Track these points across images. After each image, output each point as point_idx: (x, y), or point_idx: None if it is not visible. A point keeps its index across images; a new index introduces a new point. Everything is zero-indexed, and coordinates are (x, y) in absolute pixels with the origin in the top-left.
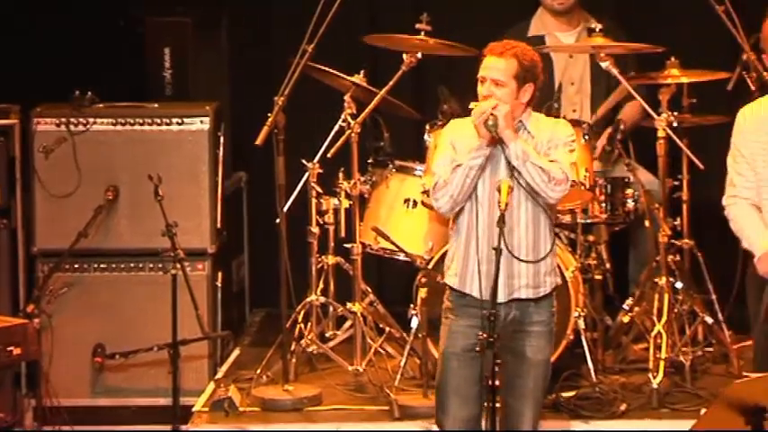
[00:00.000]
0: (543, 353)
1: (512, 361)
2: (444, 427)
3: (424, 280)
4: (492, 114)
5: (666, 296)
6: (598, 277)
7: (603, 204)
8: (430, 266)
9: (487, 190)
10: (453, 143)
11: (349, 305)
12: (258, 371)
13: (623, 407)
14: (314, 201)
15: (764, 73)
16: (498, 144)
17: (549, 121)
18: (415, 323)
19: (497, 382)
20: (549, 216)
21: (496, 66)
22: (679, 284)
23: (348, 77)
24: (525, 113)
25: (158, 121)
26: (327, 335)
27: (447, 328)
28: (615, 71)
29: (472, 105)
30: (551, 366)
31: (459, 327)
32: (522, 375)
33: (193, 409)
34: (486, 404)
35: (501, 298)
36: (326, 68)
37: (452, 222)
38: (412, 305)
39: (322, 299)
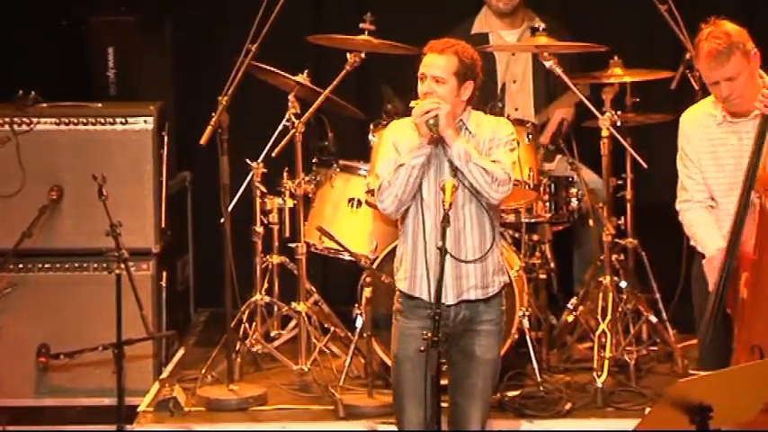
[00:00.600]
0: (492, 352)
1: (461, 360)
2: (404, 428)
3: (368, 279)
4: (433, 113)
5: (611, 295)
6: (542, 276)
7: (547, 203)
8: (374, 266)
9: (432, 192)
10: (395, 144)
11: (294, 305)
12: (203, 371)
13: (568, 406)
14: (258, 200)
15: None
16: (440, 144)
17: (491, 120)
18: (359, 322)
19: (443, 382)
20: (493, 216)
21: (437, 63)
22: (623, 283)
23: (292, 77)
24: (466, 112)
25: (102, 120)
26: (272, 334)
27: (398, 330)
28: (559, 70)
29: (413, 104)
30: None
31: (411, 329)
32: (471, 375)
33: (138, 409)
34: (437, 404)
35: (450, 300)
36: (270, 68)
37: (400, 225)
38: (357, 304)
39: (267, 298)
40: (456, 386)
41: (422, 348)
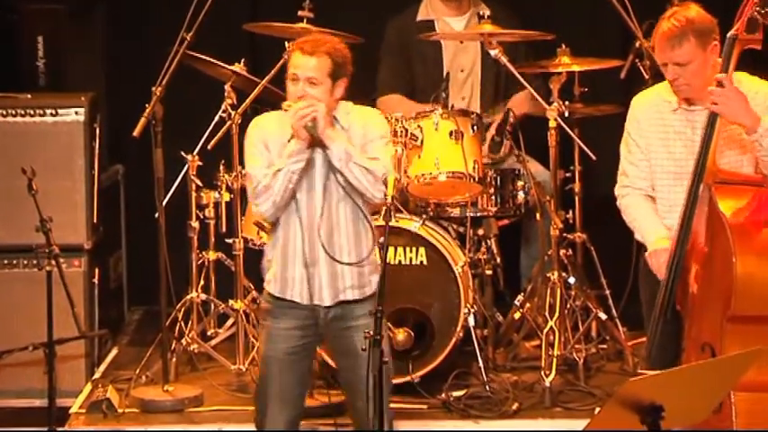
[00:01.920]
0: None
1: (345, 361)
2: (264, 429)
3: None
4: (310, 116)
5: (559, 291)
6: (488, 272)
7: (493, 197)
8: None
9: (304, 192)
10: (266, 143)
11: (231, 302)
12: (137, 371)
13: (515, 406)
14: (194, 194)
15: None
16: (317, 145)
17: (360, 113)
18: None
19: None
20: (367, 213)
21: (309, 64)
22: (571, 279)
23: (228, 66)
24: (338, 107)
25: (32, 112)
26: (209, 333)
27: (267, 331)
28: (504, 59)
29: (285, 105)
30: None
31: (280, 330)
32: (358, 372)
33: (70, 411)
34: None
35: (327, 301)
36: (206, 57)
37: (269, 224)
38: None
39: (203, 296)
40: (349, 390)
41: (363, 348)
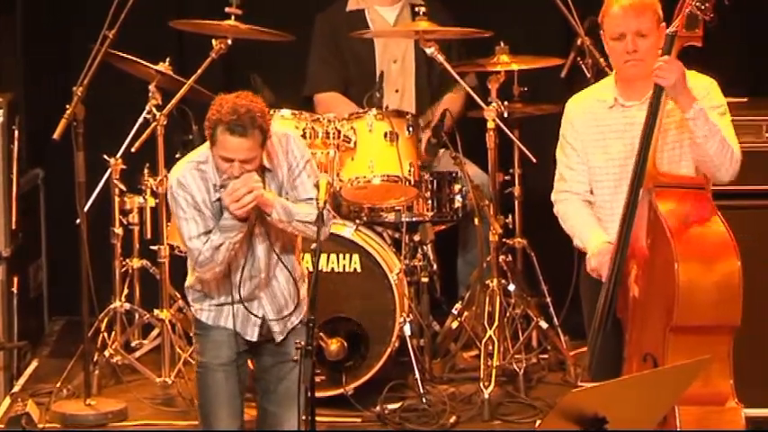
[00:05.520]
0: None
1: (276, 365)
2: None
3: None
4: (251, 205)
5: (498, 299)
6: (424, 280)
7: (429, 201)
8: None
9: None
10: (197, 206)
11: (156, 312)
12: (58, 384)
13: (453, 419)
14: (117, 199)
15: (601, 60)
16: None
17: (278, 145)
18: None
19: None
20: (295, 243)
21: (242, 146)
22: (511, 287)
23: (153, 65)
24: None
25: None
26: (133, 344)
27: (207, 338)
28: (441, 58)
29: (222, 182)
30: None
31: (223, 336)
32: (286, 378)
33: None
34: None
35: (278, 338)
36: (129, 56)
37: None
38: None
39: (127, 305)
40: (267, 393)
41: (295, 358)
